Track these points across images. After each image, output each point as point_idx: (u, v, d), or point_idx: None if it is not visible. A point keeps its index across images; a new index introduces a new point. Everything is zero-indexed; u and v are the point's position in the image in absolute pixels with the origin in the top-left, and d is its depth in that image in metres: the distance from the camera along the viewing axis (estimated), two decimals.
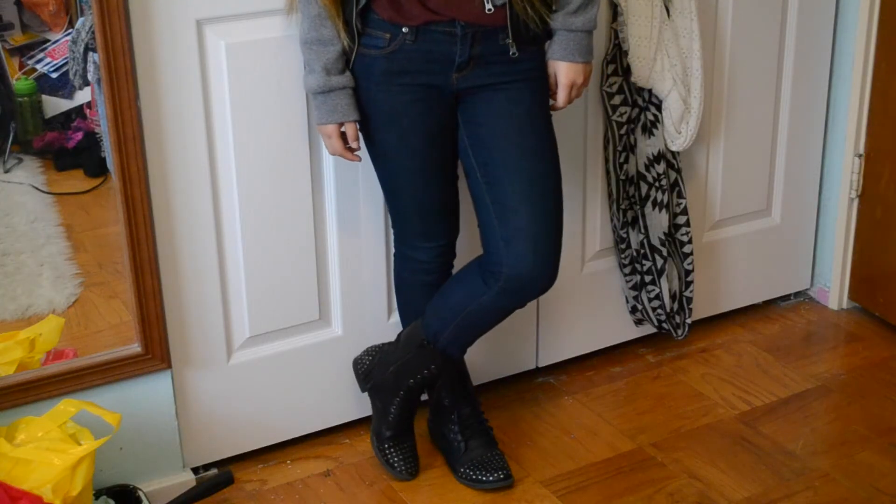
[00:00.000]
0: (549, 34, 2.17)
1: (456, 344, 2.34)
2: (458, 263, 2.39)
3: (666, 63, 2.55)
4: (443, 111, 2.18)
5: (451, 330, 2.31)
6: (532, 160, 2.18)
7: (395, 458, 2.44)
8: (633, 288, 2.81)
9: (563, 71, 2.18)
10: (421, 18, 2.07)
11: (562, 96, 2.21)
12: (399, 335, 2.44)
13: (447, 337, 2.33)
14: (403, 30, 2.08)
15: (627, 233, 2.74)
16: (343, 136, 2.17)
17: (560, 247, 2.23)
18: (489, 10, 2.07)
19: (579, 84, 2.21)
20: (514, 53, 2.12)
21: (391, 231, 2.48)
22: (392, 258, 2.50)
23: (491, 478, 2.40)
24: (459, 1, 2.06)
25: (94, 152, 2.45)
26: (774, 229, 3.09)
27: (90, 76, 2.29)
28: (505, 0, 2.07)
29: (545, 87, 2.21)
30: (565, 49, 2.16)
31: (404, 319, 2.46)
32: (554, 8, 2.14)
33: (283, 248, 2.39)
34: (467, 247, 2.44)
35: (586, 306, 2.82)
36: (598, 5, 2.18)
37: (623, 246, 2.75)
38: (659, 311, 2.80)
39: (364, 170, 2.41)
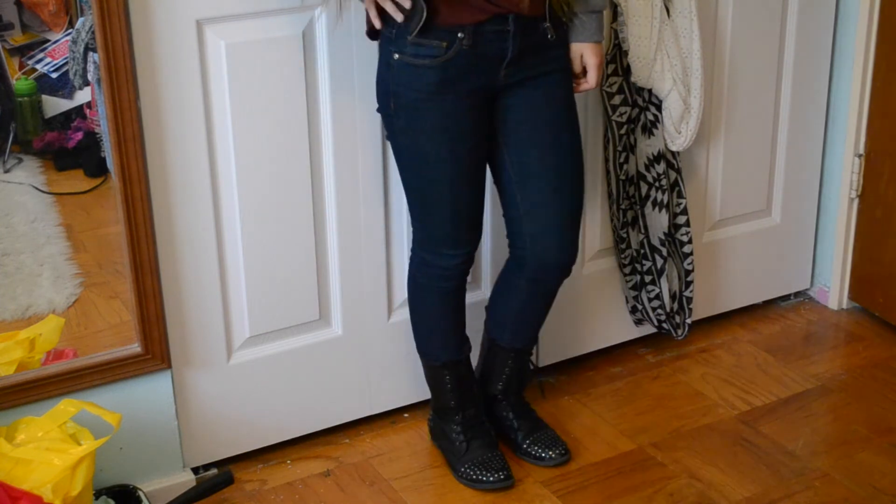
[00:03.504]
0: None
1: (519, 339, 2.46)
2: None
3: (666, 63, 2.55)
4: (487, 113, 2.20)
5: (510, 329, 2.45)
6: (564, 155, 2.25)
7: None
8: (633, 288, 2.81)
9: (592, 51, 2.23)
10: (475, 16, 2.06)
11: (594, 77, 2.26)
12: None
13: (510, 336, 2.46)
14: (459, 35, 2.07)
15: (627, 233, 2.74)
16: None
17: (579, 232, 2.35)
18: None
19: (602, 61, 2.29)
20: (551, 37, 2.15)
21: (391, 230, 2.48)
22: (392, 257, 2.50)
23: (491, 478, 2.40)
24: None
25: (94, 152, 2.45)
26: (774, 229, 3.09)
27: (90, 76, 2.29)
28: None
29: (571, 74, 2.25)
30: (589, 30, 2.21)
31: (415, 323, 2.45)
32: None
33: (283, 248, 2.39)
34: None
35: (586, 306, 2.82)
36: None
37: (623, 246, 2.75)
38: (659, 311, 2.80)
39: (364, 170, 2.41)
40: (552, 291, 2.42)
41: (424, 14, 2.04)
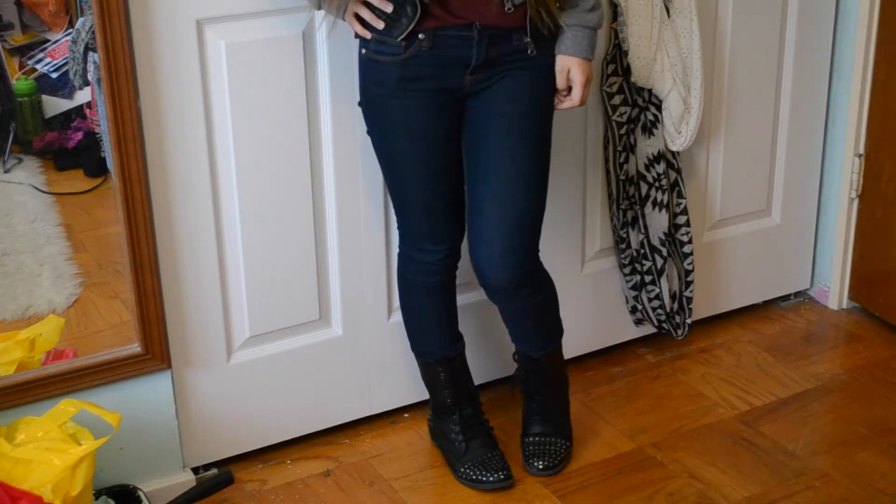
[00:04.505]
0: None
1: (522, 343, 2.45)
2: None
3: (666, 63, 2.56)
4: (454, 114, 2.18)
5: (509, 332, 2.44)
6: (512, 161, 2.18)
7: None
8: (633, 288, 2.81)
9: (580, 67, 2.15)
10: (439, 21, 2.06)
11: (580, 94, 2.18)
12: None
13: (513, 339, 2.45)
14: (420, 36, 2.07)
15: (627, 233, 2.74)
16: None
17: (528, 247, 2.25)
18: (509, 8, 2.06)
19: (591, 80, 2.20)
20: (532, 52, 2.12)
21: (391, 230, 2.48)
22: (392, 257, 2.50)
23: (491, 478, 2.40)
24: (477, 3, 2.06)
25: (94, 152, 2.45)
26: (774, 229, 3.09)
27: (90, 76, 2.29)
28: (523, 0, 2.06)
29: (551, 86, 2.19)
30: (579, 45, 2.14)
31: (406, 320, 2.45)
32: (565, 7, 2.11)
33: (282, 248, 2.39)
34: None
35: (586, 306, 2.82)
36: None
37: (623, 246, 2.75)
38: (659, 311, 2.80)
39: (364, 169, 2.41)
40: (517, 309, 2.37)
41: (418, 15, 2.03)
